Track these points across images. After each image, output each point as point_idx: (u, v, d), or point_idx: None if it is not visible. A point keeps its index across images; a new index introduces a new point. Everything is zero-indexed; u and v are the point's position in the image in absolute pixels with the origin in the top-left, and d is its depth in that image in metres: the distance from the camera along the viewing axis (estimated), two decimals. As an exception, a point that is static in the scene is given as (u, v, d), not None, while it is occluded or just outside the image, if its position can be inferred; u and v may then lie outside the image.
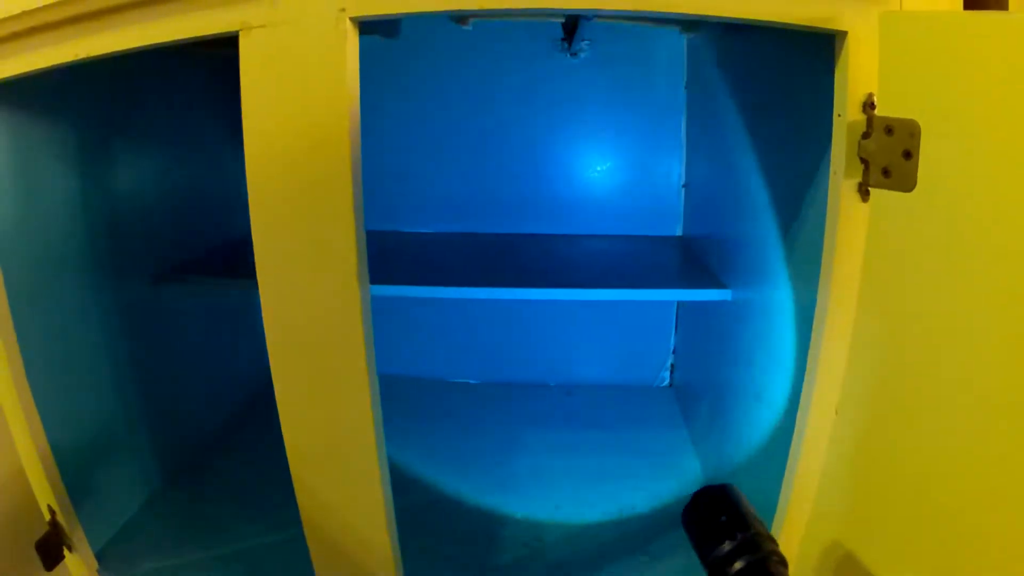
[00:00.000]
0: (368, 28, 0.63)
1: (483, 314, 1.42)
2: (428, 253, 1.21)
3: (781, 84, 0.78)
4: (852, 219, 0.60)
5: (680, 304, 1.36)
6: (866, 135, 0.58)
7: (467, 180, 1.36)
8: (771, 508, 0.70)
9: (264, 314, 0.64)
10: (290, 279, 0.64)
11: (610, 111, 1.30)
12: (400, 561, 0.72)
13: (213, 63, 1.22)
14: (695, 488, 0.50)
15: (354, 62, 0.59)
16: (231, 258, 1.21)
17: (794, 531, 0.68)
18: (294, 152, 0.61)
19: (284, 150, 0.61)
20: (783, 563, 0.43)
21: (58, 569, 0.86)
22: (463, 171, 1.35)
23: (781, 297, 0.75)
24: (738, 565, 0.41)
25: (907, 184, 0.56)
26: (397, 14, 0.59)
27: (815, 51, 0.65)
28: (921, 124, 0.53)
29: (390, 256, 1.15)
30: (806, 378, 0.64)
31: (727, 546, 0.42)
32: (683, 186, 1.31)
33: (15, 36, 0.70)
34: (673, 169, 1.31)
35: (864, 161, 0.59)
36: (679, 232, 1.34)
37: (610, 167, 1.33)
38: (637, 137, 1.31)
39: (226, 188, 1.28)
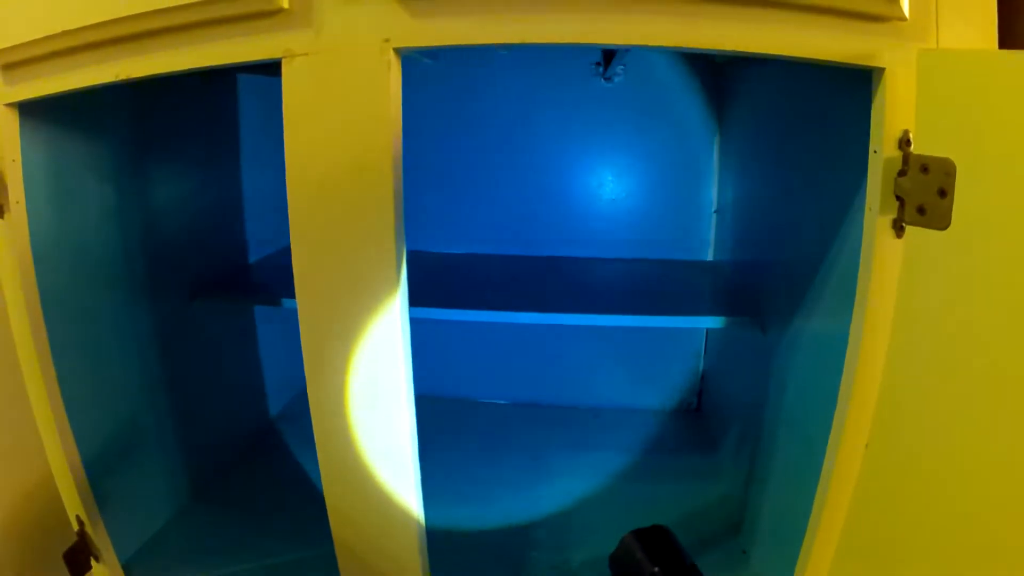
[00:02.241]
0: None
1: (513, 335, 1.44)
2: (457, 275, 1.24)
3: (816, 115, 0.80)
4: (886, 254, 0.61)
5: (710, 329, 1.38)
6: (902, 173, 0.60)
7: (498, 202, 1.39)
8: (797, 539, 0.72)
9: (303, 336, 0.67)
10: (330, 302, 0.66)
11: (643, 136, 1.33)
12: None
13: (251, 83, 1.28)
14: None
15: (397, 91, 0.62)
16: (265, 275, 1.25)
17: (820, 563, 0.70)
18: (336, 178, 0.63)
19: (326, 176, 0.64)
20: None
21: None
22: (494, 192, 1.39)
23: (814, 327, 0.77)
24: None
25: (942, 223, 0.57)
26: (440, 46, 0.61)
27: (851, 84, 0.67)
28: (956, 162, 0.55)
29: (419, 278, 1.17)
30: (837, 410, 0.66)
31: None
32: (715, 211, 1.33)
33: (55, 55, 0.72)
34: (705, 194, 1.33)
35: (899, 198, 0.60)
36: (710, 257, 1.36)
37: (642, 191, 1.35)
38: (669, 162, 1.34)
39: (261, 206, 1.33)
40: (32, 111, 0.78)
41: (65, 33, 0.70)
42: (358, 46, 0.61)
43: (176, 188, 1.10)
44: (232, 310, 1.23)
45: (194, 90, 1.12)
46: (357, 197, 0.63)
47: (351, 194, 0.63)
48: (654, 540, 0.53)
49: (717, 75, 1.28)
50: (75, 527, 0.86)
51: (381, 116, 0.61)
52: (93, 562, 0.88)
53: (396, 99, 0.62)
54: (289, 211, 0.65)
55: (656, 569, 0.48)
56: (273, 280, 1.22)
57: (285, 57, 0.63)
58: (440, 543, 0.77)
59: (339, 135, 0.63)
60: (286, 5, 0.62)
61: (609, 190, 1.36)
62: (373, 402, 0.67)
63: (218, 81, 1.22)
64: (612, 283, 1.21)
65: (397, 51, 0.61)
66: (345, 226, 0.64)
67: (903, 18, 0.59)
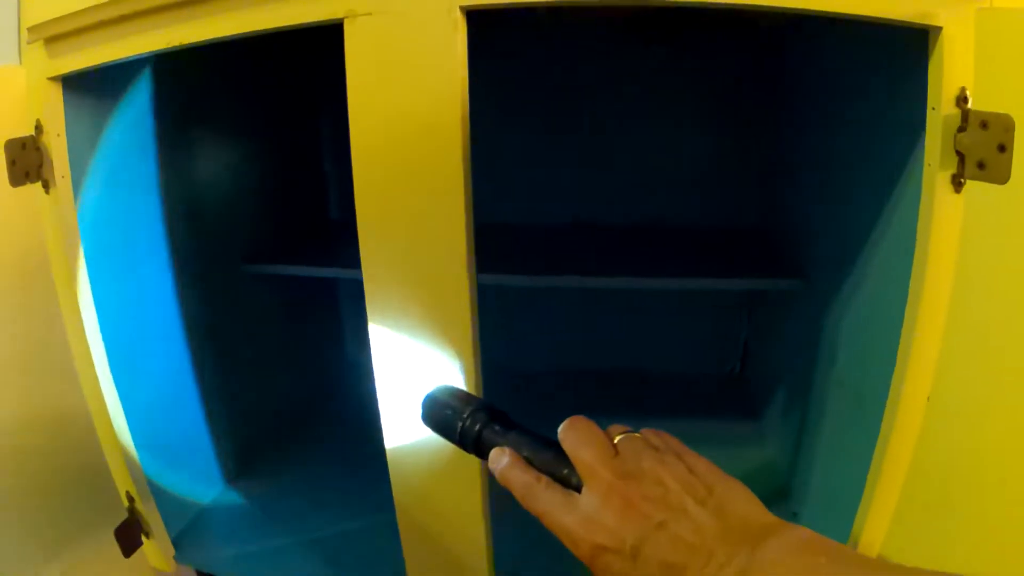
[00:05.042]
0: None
1: (554, 301, 1.45)
2: (496, 241, 1.22)
3: (868, 75, 0.81)
4: (946, 209, 0.63)
5: (754, 292, 1.39)
6: (961, 129, 0.61)
7: (536, 166, 1.38)
8: (854, 499, 0.72)
9: (368, 304, 0.67)
10: (397, 268, 0.66)
11: (683, 99, 1.33)
12: (492, 550, 0.74)
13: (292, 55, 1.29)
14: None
15: (463, 52, 0.61)
16: (313, 245, 1.26)
17: (880, 521, 0.70)
18: (403, 141, 0.63)
19: (392, 139, 0.63)
20: (500, 411, 0.55)
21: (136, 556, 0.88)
22: (532, 157, 1.38)
23: (868, 286, 0.78)
24: (477, 427, 0.52)
25: (1002, 177, 0.59)
26: (507, 4, 0.61)
27: (899, 45, 0.68)
28: (1015, 119, 0.56)
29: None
30: (897, 364, 0.67)
31: (461, 424, 0.53)
32: (759, 175, 1.32)
33: (102, 24, 0.71)
34: (749, 158, 1.32)
35: (959, 154, 0.61)
36: (755, 221, 1.35)
37: (683, 156, 1.35)
38: (717, 127, 1.33)
39: (308, 176, 1.36)
40: (76, 85, 0.79)
41: (112, 2, 0.69)
42: (424, 5, 0.60)
43: (224, 158, 1.11)
44: (279, 281, 1.23)
45: (236, 63, 1.12)
46: (426, 159, 0.63)
47: (420, 156, 0.63)
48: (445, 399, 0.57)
49: (766, 37, 1.26)
50: (125, 504, 0.86)
51: (449, 77, 0.61)
52: (144, 538, 0.88)
53: (463, 59, 0.61)
54: (354, 176, 0.64)
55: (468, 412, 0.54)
56: (323, 249, 1.23)
57: (347, 17, 0.62)
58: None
59: (406, 96, 0.62)
60: (348, -38, 0.61)
61: (649, 154, 1.35)
62: (440, 372, 0.67)
63: (261, 53, 1.21)
64: (654, 248, 1.22)
65: (464, 10, 0.60)
66: (413, 190, 0.64)
67: (959, -23, 0.60)
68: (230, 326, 1.12)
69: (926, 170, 0.64)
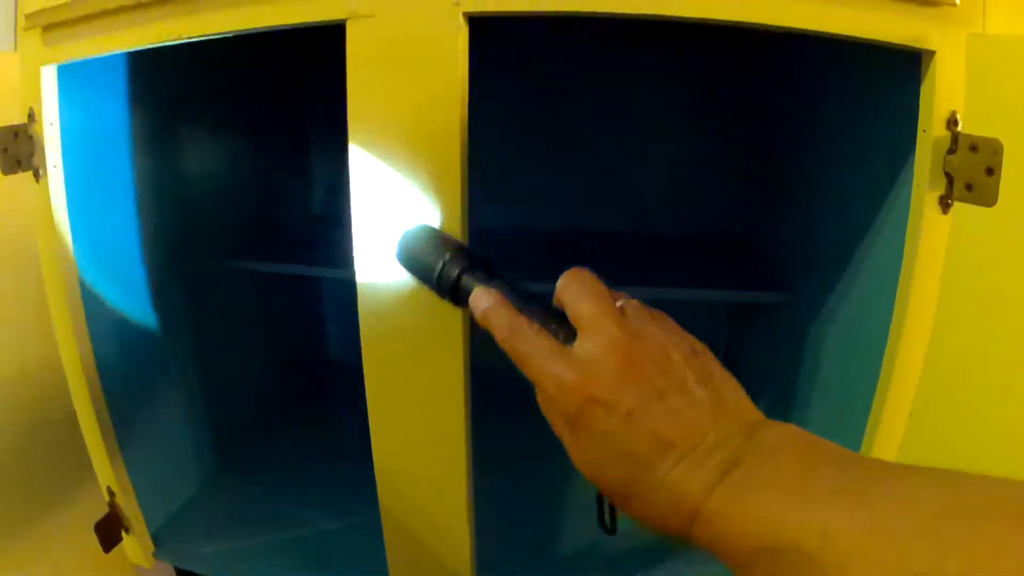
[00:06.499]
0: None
1: None
2: (475, 247, 1.22)
3: (852, 92, 0.83)
4: (934, 230, 0.64)
5: (735, 305, 1.38)
6: (951, 151, 0.62)
7: (515, 173, 1.37)
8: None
9: (360, 301, 0.66)
10: (391, 273, 0.65)
11: (670, 106, 1.32)
12: (474, 554, 0.74)
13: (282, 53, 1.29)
14: None
15: (465, 57, 0.61)
16: (297, 243, 1.26)
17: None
18: (401, 144, 0.63)
19: (391, 142, 0.63)
20: (483, 259, 0.50)
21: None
22: (512, 163, 1.37)
23: (853, 302, 0.79)
24: (457, 271, 0.47)
25: (989, 199, 0.60)
26: (512, 12, 0.61)
27: (890, 64, 0.69)
28: (1004, 143, 0.57)
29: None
30: (880, 378, 0.68)
31: (441, 266, 0.47)
32: (744, 186, 1.31)
33: (103, 14, 0.71)
34: (734, 169, 1.31)
35: (948, 175, 0.62)
36: (738, 232, 1.34)
37: (668, 163, 1.34)
38: (697, 134, 1.33)
39: (294, 174, 1.36)
40: (68, 73, 0.78)
41: (111, -8, 0.68)
42: (426, 9, 0.60)
43: (210, 153, 1.10)
44: (262, 278, 1.22)
45: (227, 63, 1.11)
46: (423, 164, 0.62)
47: (417, 161, 0.62)
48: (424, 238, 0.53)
49: (755, 49, 1.26)
50: (106, 499, 0.84)
51: (450, 82, 0.61)
52: (123, 533, 0.86)
53: (464, 65, 0.61)
54: (351, 177, 0.64)
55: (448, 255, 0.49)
56: (305, 249, 1.22)
57: (350, 19, 0.62)
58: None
59: (405, 100, 0.62)
60: (350, -37, 0.61)
61: (634, 162, 1.35)
62: (428, 375, 0.67)
63: (254, 54, 1.21)
64: (640, 256, 1.21)
65: (466, 15, 0.60)
66: (410, 192, 0.63)
67: (953, 3, 0.61)
68: (212, 322, 1.11)
69: (915, 190, 0.65)
